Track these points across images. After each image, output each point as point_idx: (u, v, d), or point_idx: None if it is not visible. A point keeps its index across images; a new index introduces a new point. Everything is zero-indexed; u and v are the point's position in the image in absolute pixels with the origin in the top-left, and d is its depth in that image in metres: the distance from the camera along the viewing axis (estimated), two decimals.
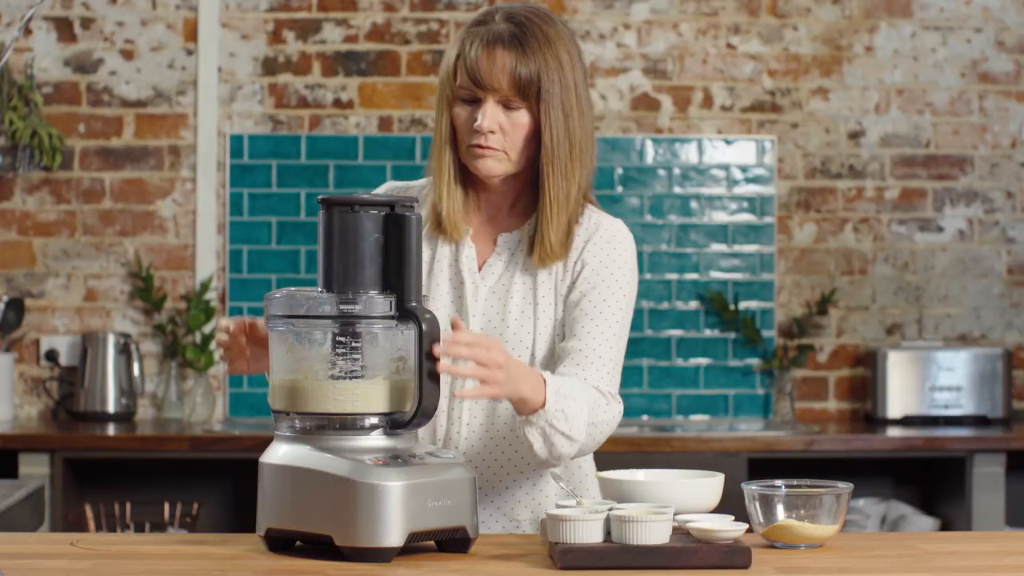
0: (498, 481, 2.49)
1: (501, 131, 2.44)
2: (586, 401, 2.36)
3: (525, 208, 2.54)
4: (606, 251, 2.49)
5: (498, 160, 2.45)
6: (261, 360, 2.35)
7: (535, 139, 2.46)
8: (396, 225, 2.16)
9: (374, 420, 2.14)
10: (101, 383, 4.88)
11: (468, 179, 2.52)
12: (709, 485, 2.24)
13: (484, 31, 2.44)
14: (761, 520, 2.20)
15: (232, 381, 5.01)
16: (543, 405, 2.30)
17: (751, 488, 2.21)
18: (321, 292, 2.16)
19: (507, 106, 2.44)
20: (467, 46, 2.44)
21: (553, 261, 2.48)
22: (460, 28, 2.54)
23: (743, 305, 5.08)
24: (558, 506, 2.17)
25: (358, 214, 2.16)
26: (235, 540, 2.25)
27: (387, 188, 2.64)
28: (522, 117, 2.44)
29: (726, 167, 5.10)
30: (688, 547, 2.04)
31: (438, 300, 2.49)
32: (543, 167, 2.45)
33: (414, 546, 2.11)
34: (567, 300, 2.49)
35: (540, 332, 2.48)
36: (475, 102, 2.45)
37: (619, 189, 5.07)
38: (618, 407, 2.44)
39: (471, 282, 2.50)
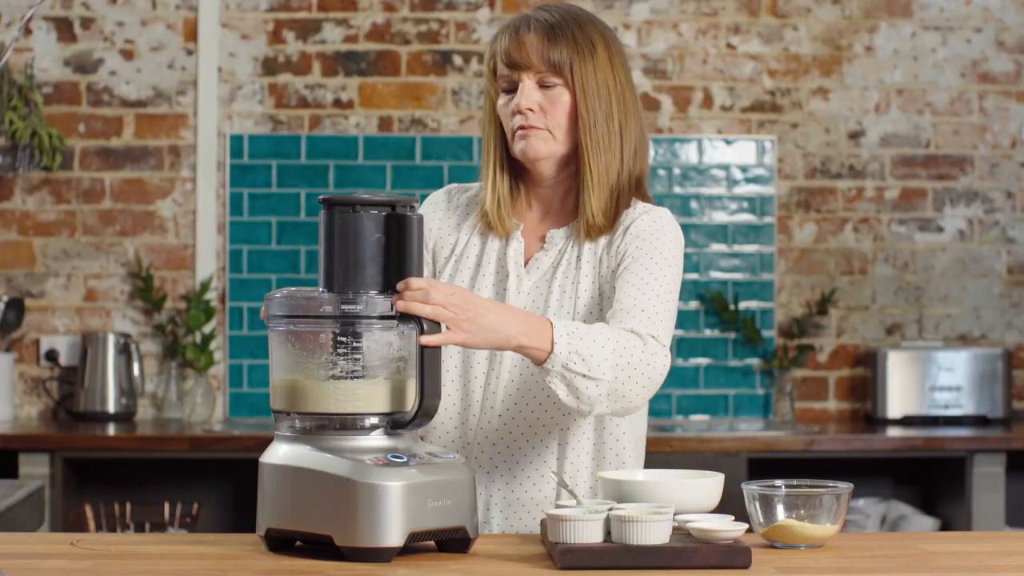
0: (520, 469, 2.48)
1: (541, 110, 2.47)
2: (609, 340, 2.31)
3: (573, 208, 2.55)
4: (650, 229, 2.49)
5: (542, 139, 2.48)
6: None
7: (578, 120, 2.49)
8: (397, 224, 2.16)
9: (374, 420, 2.14)
10: (101, 383, 4.88)
11: (518, 175, 2.55)
12: (709, 485, 2.24)
13: (515, 21, 2.51)
14: (761, 520, 2.20)
15: (232, 381, 5.01)
16: (552, 351, 2.28)
17: (751, 488, 2.21)
18: (322, 292, 2.16)
19: (543, 84, 2.47)
20: (499, 39, 2.51)
21: (599, 234, 2.49)
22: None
23: (743, 305, 5.08)
24: (558, 506, 2.17)
25: (359, 214, 2.16)
26: (235, 540, 2.25)
27: (451, 187, 2.66)
28: (561, 95, 2.47)
29: (726, 167, 5.10)
30: (688, 547, 2.04)
31: (482, 294, 2.50)
32: (581, 140, 2.48)
33: (414, 546, 2.11)
34: (614, 276, 2.47)
35: (579, 311, 2.48)
36: (514, 90, 2.48)
37: None
38: (661, 351, 2.36)
39: (515, 275, 2.51)
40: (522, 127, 2.47)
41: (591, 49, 2.48)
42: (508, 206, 2.53)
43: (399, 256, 2.16)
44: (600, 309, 2.49)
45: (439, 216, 2.60)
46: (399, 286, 2.16)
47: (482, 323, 2.22)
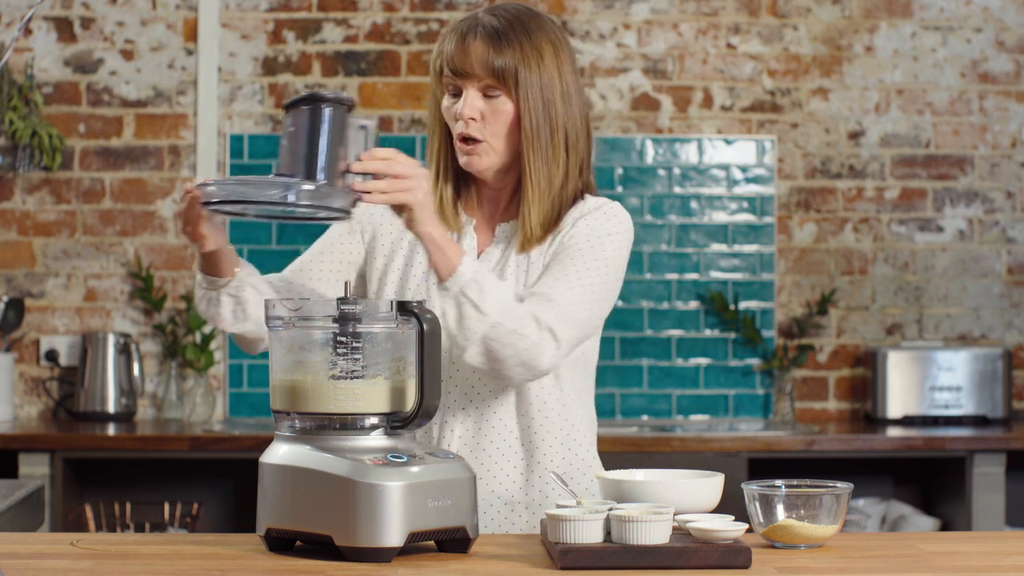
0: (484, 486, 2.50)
1: (482, 119, 2.46)
2: (510, 297, 2.36)
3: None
4: (596, 219, 2.49)
5: (482, 154, 2.48)
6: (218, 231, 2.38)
7: (520, 129, 2.48)
8: (314, 116, 2.22)
9: (374, 420, 2.14)
10: (101, 383, 4.88)
11: (466, 173, 2.55)
12: (709, 485, 2.24)
13: (463, 24, 2.49)
14: (761, 520, 2.20)
15: (232, 381, 5.01)
16: (456, 271, 2.32)
17: (751, 488, 2.21)
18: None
19: (487, 94, 2.46)
20: (447, 40, 2.49)
21: (534, 246, 2.49)
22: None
23: (743, 305, 5.08)
24: (558, 506, 2.17)
25: (295, 110, 2.24)
26: (235, 540, 2.25)
27: None
28: (503, 105, 2.46)
29: (726, 167, 5.10)
30: (688, 547, 2.04)
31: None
32: (524, 151, 2.47)
33: (414, 546, 2.11)
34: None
35: None
36: (460, 94, 2.48)
37: (619, 189, 5.07)
38: (551, 347, 2.36)
39: None
40: (463, 139, 2.47)
41: (538, 58, 2.46)
42: (453, 205, 2.54)
43: (309, 143, 2.21)
44: None
45: (379, 212, 2.59)
46: (365, 155, 2.23)
47: (427, 206, 2.30)
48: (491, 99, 2.46)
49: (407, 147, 5.04)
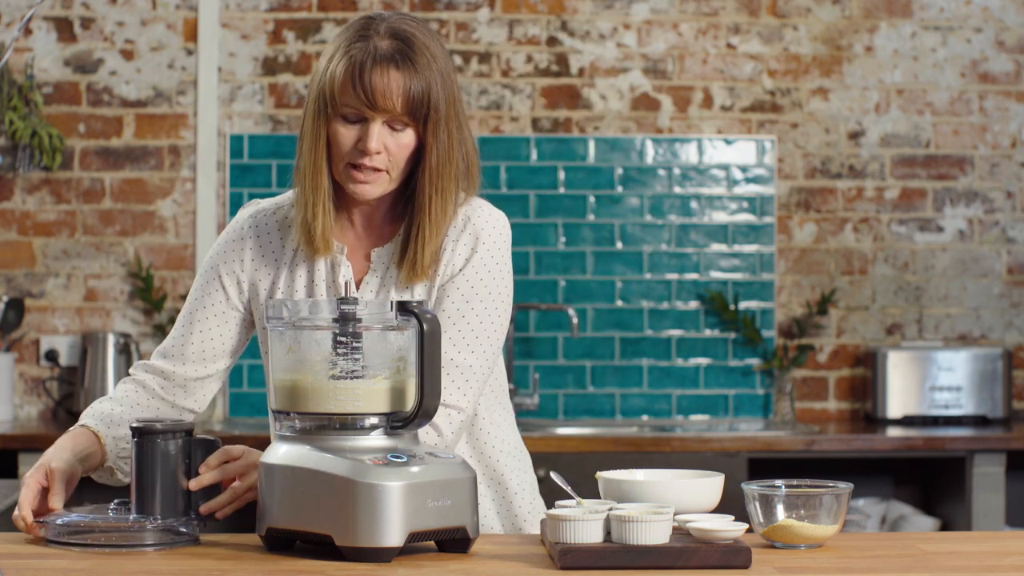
0: None
1: (386, 151, 2.38)
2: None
3: (395, 218, 2.48)
4: (474, 249, 2.44)
5: (379, 184, 2.39)
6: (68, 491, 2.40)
7: (415, 156, 2.40)
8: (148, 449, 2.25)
9: (374, 420, 2.14)
10: (101, 383, 4.88)
11: (341, 194, 2.45)
12: (709, 485, 2.24)
13: (372, 48, 2.36)
14: (761, 520, 2.20)
15: (232, 381, 5.01)
16: None
17: (751, 488, 2.21)
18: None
19: (392, 126, 2.38)
20: (355, 63, 2.35)
21: (421, 279, 2.43)
22: (336, 35, 2.46)
23: (743, 305, 5.08)
24: (558, 506, 2.17)
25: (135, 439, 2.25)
26: (235, 540, 2.25)
27: (253, 211, 2.54)
28: (407, 137, 2.38)
29: (726, 167, 5.10)
30: (688, 547, 2.04)
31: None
32: (424, 187, 2.40)
33: (414, 546, 2.11)
34: (440, 306, 2.43)
35: None
36: (359, 121, 2.37)
37: (619, 189, 5.07)
38: (457, 418, 2.39)
39: None
40: (360, 168, 2.37)
41: (445, 87, 2.38)
42: (333, 230, 2.44)
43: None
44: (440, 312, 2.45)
45: (250, 248, 2.50)
46: (200, 478, 2.24)
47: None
48: (396, 132, 2.38)
49: None
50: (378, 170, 2.38)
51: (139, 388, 2.53)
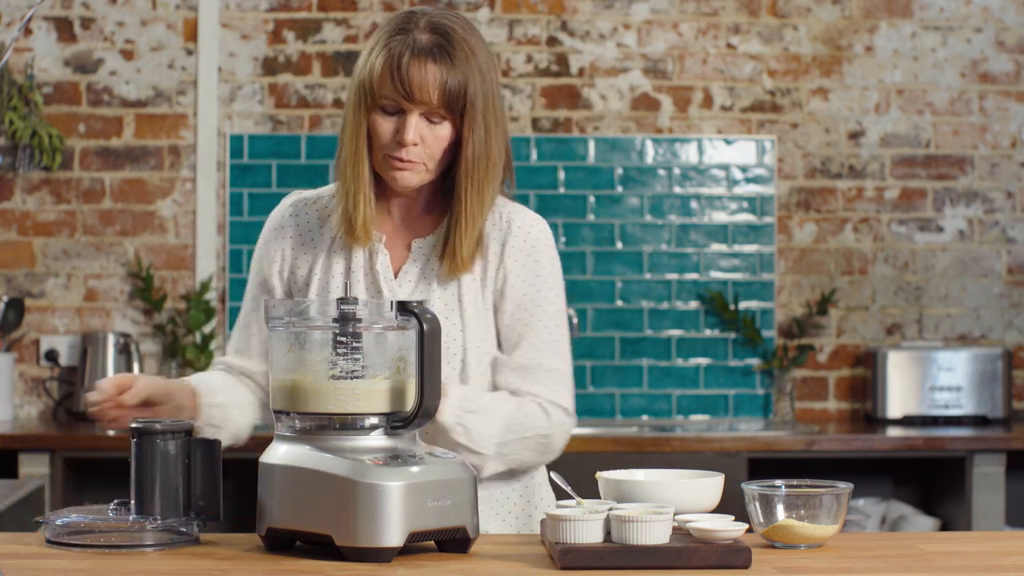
0: None
1: (423, 142, 2.41)
2: (502, 414, 2.39)
3: (438, 211, 2.52)
4: (527, 253, 2.49)
5: (416, 173, 2.43)
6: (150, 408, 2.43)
7: (452, 148, 2.44)
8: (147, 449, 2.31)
9: (374, 420, 2.14)
10: None
11: (380, 184, 2.50)
12: (709, 485, 2.24)
13: (411, 41, 2.39)
14: (761, 520, 2.20)
15: None
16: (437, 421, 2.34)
17: (751, 488, 2.21)
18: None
19: (430, 119, 2.41)
20: (394, 56, 2.39)
21: (464, 271, 2.46)
22: (377, 29, 2.49)
23: (743, 305, 5.08)
24: (558, 506, 2.17)
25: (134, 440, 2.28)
26: (235, 540, 2.25)
27: (295, 199, 2.59)
28: (444, 130, 2.42)
29: (726, 167, 5.10)
30: (688, 547, 2.04)
31: None
32: (461, 180, 2.44)
33: (414, 546, 2.11)
34: (500, 310, 2.48)
35: (470, 339, 2.46)
36: (397, 113, 2.41)
37: (619, 189, 5.07)
38: (566, 419, 2.46)
39: (388, 290, 2.49)
40: (400, 159, 2.41)
41: (483, 82, 2.41)
42: (375, 219, 2.49)
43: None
44: (490, 337, 2.48)
45: (289, 238, 2.55)
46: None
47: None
48: (433, 124, 2.42)
49: None
50: (415, 162, 2.42)
51: (232, 378, 2.60)
